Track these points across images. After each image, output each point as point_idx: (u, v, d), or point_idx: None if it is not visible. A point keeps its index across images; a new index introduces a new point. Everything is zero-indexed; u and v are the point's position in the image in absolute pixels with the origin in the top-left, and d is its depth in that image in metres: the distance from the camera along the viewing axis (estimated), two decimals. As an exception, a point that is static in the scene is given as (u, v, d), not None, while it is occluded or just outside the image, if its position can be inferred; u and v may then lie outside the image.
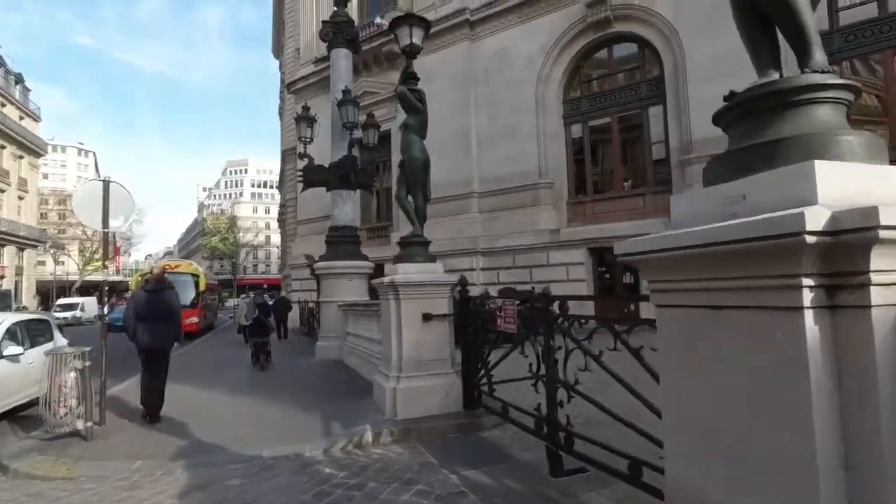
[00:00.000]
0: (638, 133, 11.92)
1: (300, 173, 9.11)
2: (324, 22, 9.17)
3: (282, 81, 30.99)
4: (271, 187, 75.33)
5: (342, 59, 9.05)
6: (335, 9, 9.13)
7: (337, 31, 8.92)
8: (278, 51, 31.47)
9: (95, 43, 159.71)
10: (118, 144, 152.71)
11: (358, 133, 8.87)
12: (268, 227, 72.58)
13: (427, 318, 4.33)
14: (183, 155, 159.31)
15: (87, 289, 45.15)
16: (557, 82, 12.59)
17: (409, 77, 5.31)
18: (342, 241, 8.71)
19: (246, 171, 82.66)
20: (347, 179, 8.65)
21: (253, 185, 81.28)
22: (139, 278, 17.09)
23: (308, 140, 9.11)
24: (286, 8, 25.24)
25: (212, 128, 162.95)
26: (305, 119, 9.12)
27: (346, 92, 8.47)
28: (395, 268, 4.66)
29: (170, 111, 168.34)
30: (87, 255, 41.55)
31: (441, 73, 14.03)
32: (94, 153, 71.23)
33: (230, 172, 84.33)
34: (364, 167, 9.00)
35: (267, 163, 77.82)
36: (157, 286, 5.17)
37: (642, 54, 11.79)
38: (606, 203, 12.03)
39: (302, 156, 8.97)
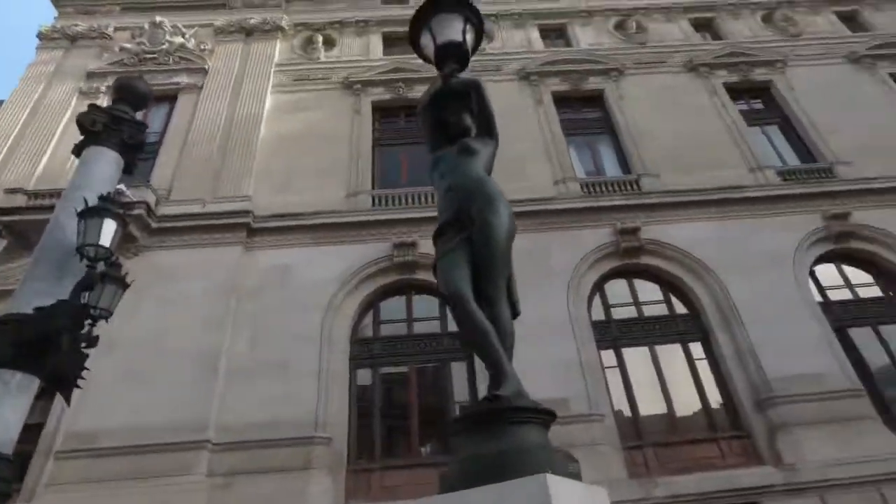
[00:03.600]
0: (440, 388, 10.19)
1: None
2: (91, 105, 5.65)
3: None
4: None
5: (107, 162, 5.38)
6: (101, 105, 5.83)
7: (112, 126, 5.49)
8: None
9: None
10: None
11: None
12: None
13: None
14: None
15: None
16: (350, 318, 10.51)
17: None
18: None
19: None
20: (39, 354, 4.06)
21: None
22: None
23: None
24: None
25: None
26: None
27: (104, 198, 4.68)
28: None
29: None
30: None
31: (193, 273, 10.53)
32: None
33: None
34: (75, 349, 4.55)
35: None
36: None
37: (442, 306, 11.06)
38: (401, 473, 9.06)
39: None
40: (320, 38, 15.19)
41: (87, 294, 4.53)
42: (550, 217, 11.53)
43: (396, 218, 11.35)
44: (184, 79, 13.70)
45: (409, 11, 15.78)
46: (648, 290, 11.21)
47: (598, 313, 10.91)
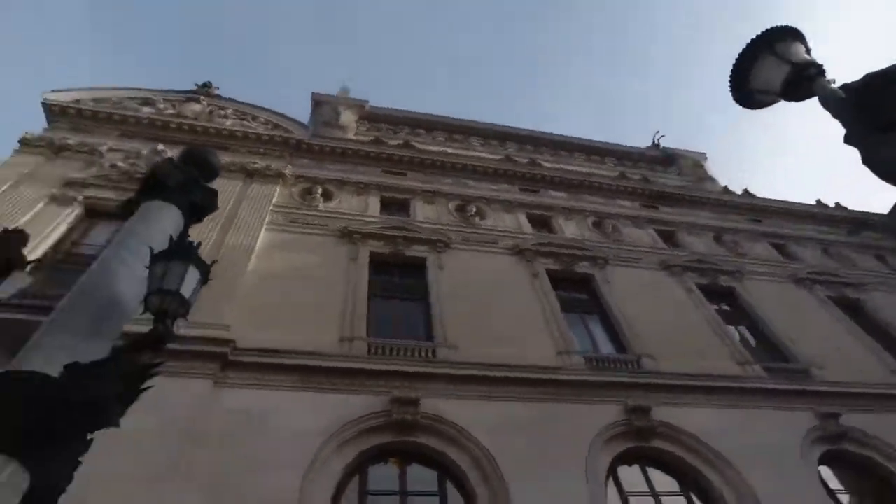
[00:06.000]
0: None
1: None
2: (168, 159, 4.82)
3: None
4: None
5: (170, 218, 4.38)
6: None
7: (184, 186, 4.64)
8: None
9: None
10: None
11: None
12: None
13: None
14: None
15: None
16: (333, 484, 8.52)
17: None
18: None
19: None
20: (44, 430, 2.56)
21: None
22: None
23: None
24: None
25: None
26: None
27: (184, 244, 3.65)
28: None
29: None
30: None
31: (146, 404, 8.38)
32: None
33: None
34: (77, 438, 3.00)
35: None
36: None
37: (443, 480, 9.30)
38: None
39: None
40: (320, 190, 15.39)
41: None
42: (555, 388, 10.77)
43: (396, 370, 10.13)
44: (174, 202, 12.95)
45: (405, 182, 16.71)
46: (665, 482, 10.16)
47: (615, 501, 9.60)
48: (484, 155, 22.28)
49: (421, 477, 9.27)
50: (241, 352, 9.70)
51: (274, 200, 14.33)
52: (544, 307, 12.98)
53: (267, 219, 13.57)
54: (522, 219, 16.77)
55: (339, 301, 11.75)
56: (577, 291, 14.60)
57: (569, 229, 16.98)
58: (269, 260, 12.48)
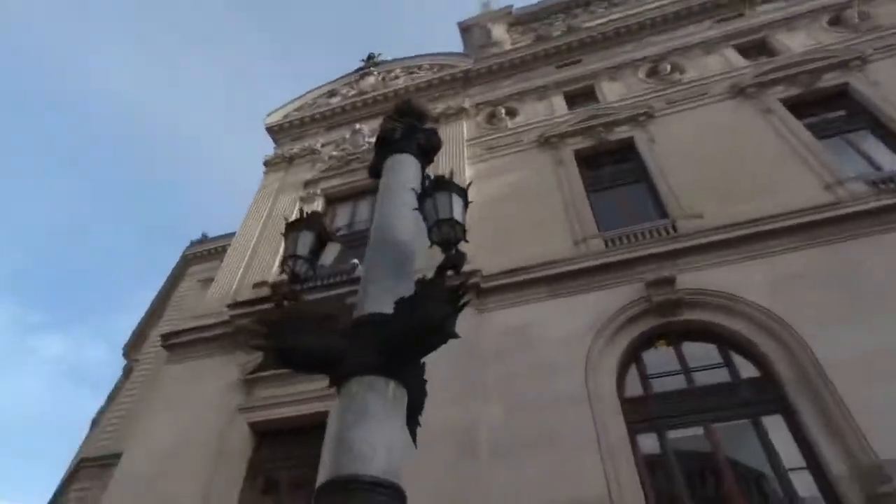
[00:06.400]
0: (752, 453, 7.76)
1: (260, 331, 3.42)
2: (387, 117, 5.43)
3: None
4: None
5: (410, 164, 4.94)
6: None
7: (408, 135, 5.13)
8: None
9: None
10: None
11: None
12: None
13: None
14: None
15: None
16: (612, 375, 8.82)
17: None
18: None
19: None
20: (407, 360, 3.17)
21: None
22: None
23: (307, 260, 3.91)
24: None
25: None
26: (314, 223, 4.13)
27: (440, 178, 4.09)
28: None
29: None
30: None
31: (432, 341, 9.79)
32: None
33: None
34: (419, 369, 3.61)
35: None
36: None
37: (724, 350, 8.89)
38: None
39: (280, 291, 3.52)
40: (503, 110, 15.31)
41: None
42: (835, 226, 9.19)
43: (641, 255, 9.84)
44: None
45: (582, 69, 15.52)
46: None
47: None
48: (657, 3, 19.31)
49: (697, 353, 8.98)
50: (489, 278, 10.50)
51: (465, 136, 14.78)
52: (791, 142, 11.00)
53: (466, 153, 14.11)
54: (730, 53, 14.23)
55: (559, 207, 11.77)
56: (829, 111, 12.02)
57: (797, 42, 13.86)
58: (481, 190, 12.81)
